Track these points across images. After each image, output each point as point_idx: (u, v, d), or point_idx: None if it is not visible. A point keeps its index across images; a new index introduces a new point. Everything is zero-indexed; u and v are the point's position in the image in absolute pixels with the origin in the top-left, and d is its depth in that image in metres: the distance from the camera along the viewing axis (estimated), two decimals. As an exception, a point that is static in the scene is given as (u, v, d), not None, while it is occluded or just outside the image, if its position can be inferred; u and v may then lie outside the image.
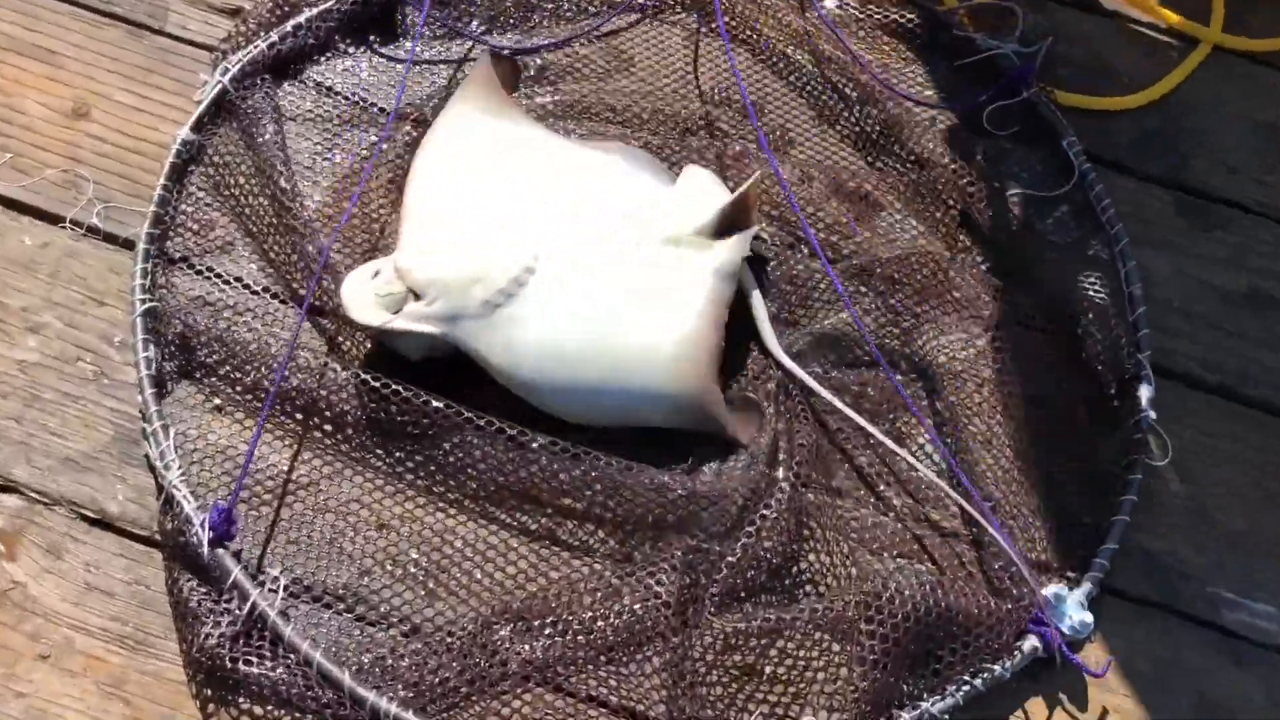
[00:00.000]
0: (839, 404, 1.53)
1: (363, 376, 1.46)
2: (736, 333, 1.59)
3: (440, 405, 1.44)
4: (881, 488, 1.54)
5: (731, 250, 1.60)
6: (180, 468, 1.41)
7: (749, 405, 1.55)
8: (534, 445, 1.43)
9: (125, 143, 1.68)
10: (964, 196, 1.76)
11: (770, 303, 1.63)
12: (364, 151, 1.72)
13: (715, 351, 1.55)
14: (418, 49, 1.83)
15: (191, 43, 1.79)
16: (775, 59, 1.91)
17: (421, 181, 1.63)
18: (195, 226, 1.62)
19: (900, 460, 1.54)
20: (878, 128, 1.83)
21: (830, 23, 1.92)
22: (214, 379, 1.50)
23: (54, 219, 1.61)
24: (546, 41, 1.86)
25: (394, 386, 1.44)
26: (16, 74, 1.72)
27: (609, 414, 1.50)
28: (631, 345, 1.51)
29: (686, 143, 1.79)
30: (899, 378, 1.62)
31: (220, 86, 1.69)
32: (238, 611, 1.32)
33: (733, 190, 1.66)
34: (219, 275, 1.59)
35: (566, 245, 1.55)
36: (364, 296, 1.47)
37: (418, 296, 1.47)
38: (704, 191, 1.67)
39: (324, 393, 1.47)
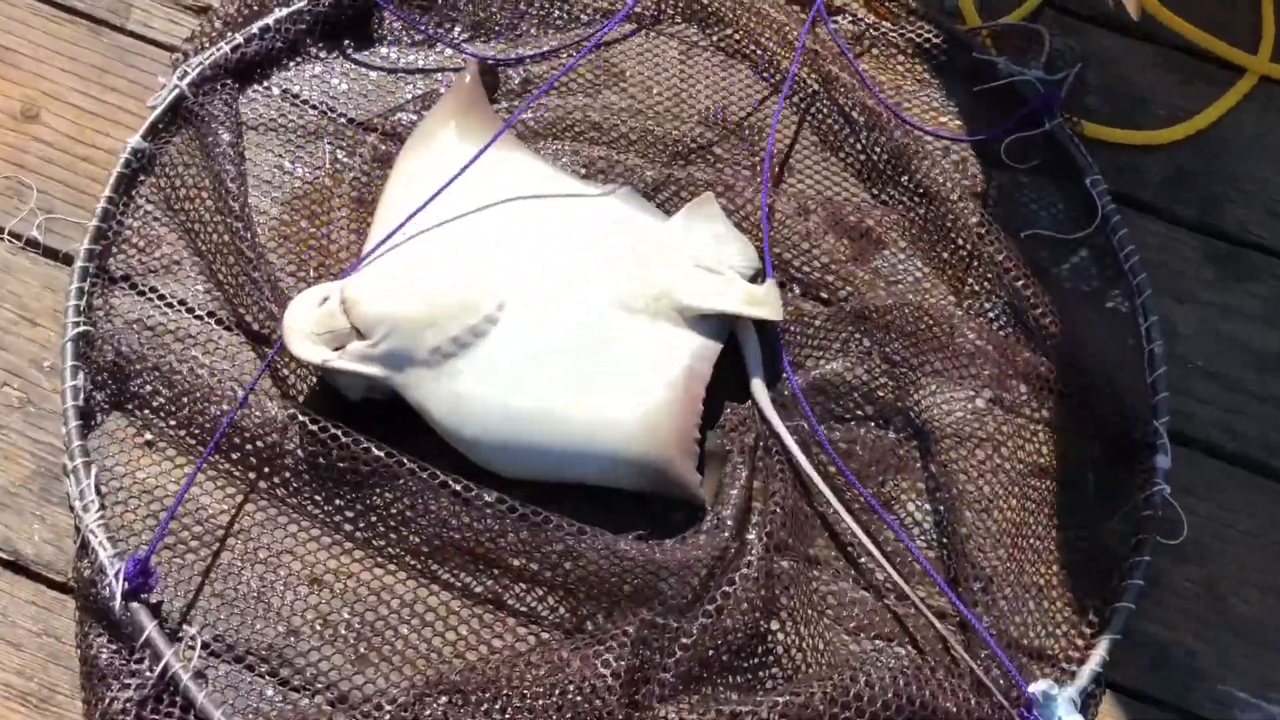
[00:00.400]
0: (812, 473, 1.41)
1: (300, 418, 1.35)
2: (721, 371, 1.47)
3: (380, 454, 1.33)
4: (863, 559, 1.41)
5: (719, 327, 1.49)
6: (100, 510, 1.31)
7: (719, 461, 1.43)
8: (481, 502, 1.32)
9: (74, 149, 1.58)
10: (974, 236, 1.62)
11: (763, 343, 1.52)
12: (328, 165, 1.61)
13: (688, 424, 1.42)
14: (394, 55, 1.71)
15: (153, 42, 1.69)
16: (779, 78, 1.77)
17: (390, 203, 1.52)
18: (140, 243, 1.51)
19: (886, 528, 1.42)
20: (885, 156, 1.69)
21: (840, 40, 1.78)
22: (147, 411, 1.40)
23: (-9, 230, 1.52)
24: (533, 52, 1.74)
25: (331, 430, 1.33)
26: (-35, 70, 1.63)
27: (560, 477, 1.39)
28: (592, 415, 1.39)
29: (676, 167, 1.66)
30: (892, 435, 1.49)
31: (177, 91, 1.58)
32: (148, 674, 1.22)
33: (741, 227, 1.58)
34: (161, 297, 1.48)
35: (537, 294, 1.43)
36: (306, 327, 1.35)
37: (361, 334, 1.35)
38: (711, 238, 1.55)
39: (261, 431, 1.36)
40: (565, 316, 1.43)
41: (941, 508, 1.45)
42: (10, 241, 1.50)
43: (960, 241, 1.62)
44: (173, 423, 1.39)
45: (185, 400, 1.39)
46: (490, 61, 1.71)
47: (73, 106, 1.61)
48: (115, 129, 1.60)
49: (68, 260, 1.49)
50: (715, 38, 1.80)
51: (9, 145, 1.57)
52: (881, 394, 1.51)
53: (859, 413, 1.51)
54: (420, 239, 1.46)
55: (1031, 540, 1.44)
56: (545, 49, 1.74)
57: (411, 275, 1.40)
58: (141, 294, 1.48)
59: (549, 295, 1.43)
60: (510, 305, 1.41)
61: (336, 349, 1.35)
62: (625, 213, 1.56)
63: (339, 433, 1.33)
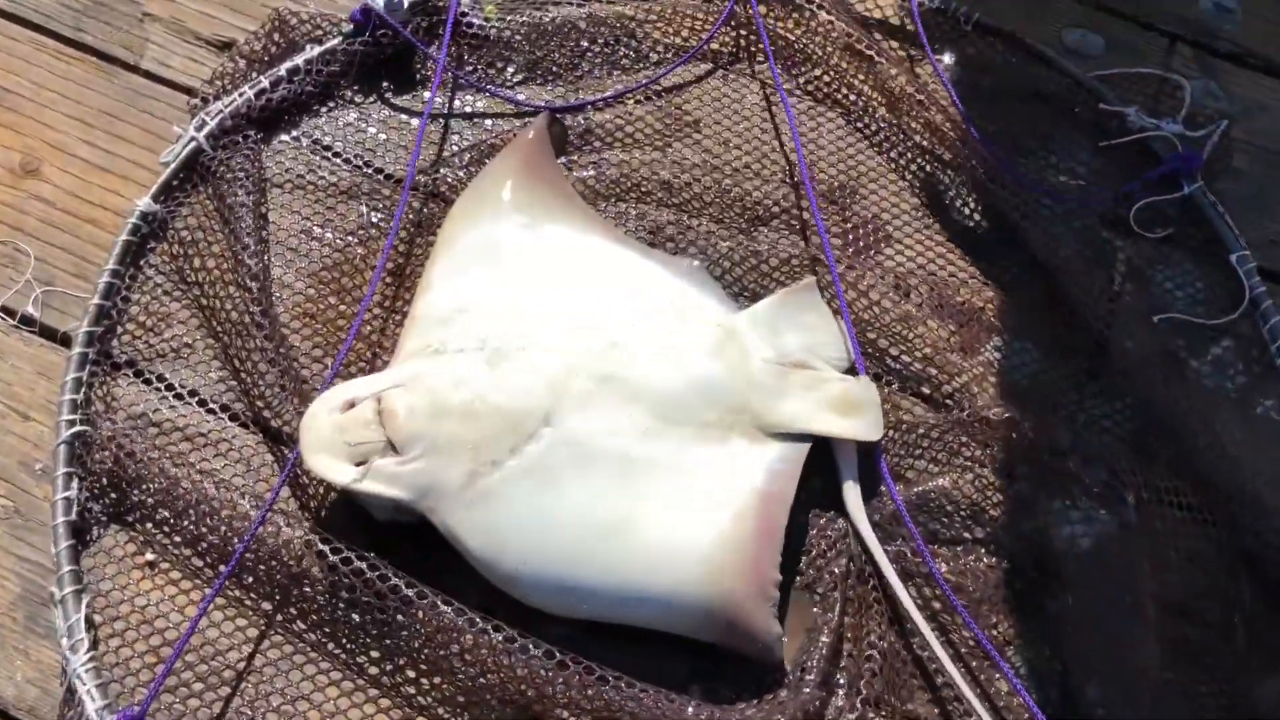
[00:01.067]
0: (914, 611, 1.20)
1: (319, 545, 1.17)
2: (807, 470, 1.27)
3: (410, 592, 1.14)
4: (973, 718, 1.20)
5: (800, 447, 1.28)
6: (90, 649, 1.13)
7: (805, 608, 1.22)
8: (525, 654, 1.13)
9: (79, 209, 1.41)
10: (1101, 318, 1.40)
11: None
12: (362, 230, 1.42)
13: (763, 562, 1.20)
14: (439, 100, 1.52)
15: (170, 83, 1.51)
16: (875, 127, 1.56)
17: (434, 280, 1.32)
18: (148, 322, 1.33)
19: (1000, 678, 1.21)
20: (996, 223, 1.47)
21: (950, 85, 1.55)
22: (149, 525, 1.22)
23: (-18, 304, 1.34)
24: (594, 98, 1.53)
25: (355, 561, 1.15)
26: (-38, 116, 1.45)
27: (611, 619, 1.19)
28: (646, 551, 1.18)
29: (756, 235, 1.45)
30: (1007, 564, 1.28)
31: (194, 145, 1.40)
32: None
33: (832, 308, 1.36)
34: (170, 387, 1.30)
35: (588, 405, 1.23)
36: (329, 438, 1.17)
37: (395, 448, 1.17)
38: (801, 327, 1.35)
39: (277, 557, 1.18)
40: (620, 432, 1.22)
41: (1065, 654, 1.24)
42: (3, 318, 1.33)
43: (1085, 326, 1.40)
44: (178, 539, 1.22)
45: (193, 514, 1.21)
46: (554, 110, 1.50)
47: (78, 159, 1.44)
48: (125, 185, 1.42)
49: (66, 341, 1.31)
50: (802, 80, 1.59)
51: (5, 204, 1.40)
52: (993, 514, 1.30)
53: (967, 536, 1.30)
54: (474, 332, 1.26)
55: (1169, 700, 1.22)
56: (609, 93, 1.53)
57: (457, 386, 1.20)
58: (148, 383, 1.30)
59: (602, 406, 1.23)
60: (556, 418, 1.21)
61: (361, 463, 1.16)
62: (697, 298, 1.35)
63: (364, 565, 1.15)
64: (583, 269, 1.34)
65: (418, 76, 1.53)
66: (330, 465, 1.15)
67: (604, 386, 1.24)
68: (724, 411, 1.26)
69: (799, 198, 1.48)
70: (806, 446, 1.27)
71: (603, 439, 1.22)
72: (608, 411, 1.23)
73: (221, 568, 1.20)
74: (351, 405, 1.19)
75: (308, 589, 1.18)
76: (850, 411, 1.30)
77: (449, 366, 1.22)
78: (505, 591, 1.16)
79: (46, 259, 1.37)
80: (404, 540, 1.19)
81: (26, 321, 1.33)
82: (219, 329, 1.33)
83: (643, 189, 1.47)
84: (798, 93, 1.58)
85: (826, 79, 1.58)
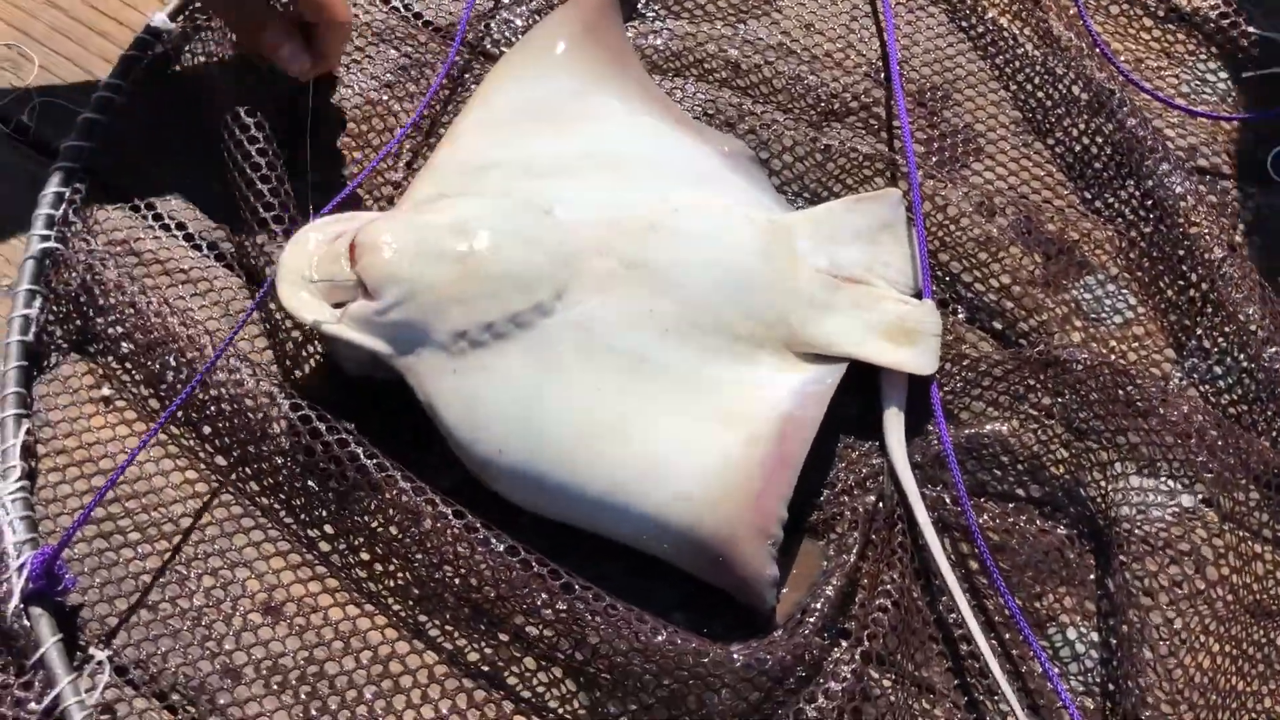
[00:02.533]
0: (944, 565, 1.03)
1: (278, 397, 1.05)
2: (844, 408, 1.11)
3: (369, 462, 1.01)
4: (996, 697, 1.03)
5: (836, 368, 1.12)
6: (22, 479, 1.04)
7: (817, 554, 1.06)
8: (485, 548, 0.99)
9: (93, 19, 1.30)
10: (1214, 274, 1.19)
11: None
12: (390, 77, 1.28)
13: (770, 496, 1.04)
14: (496, -52, 1.37)
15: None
16: (982, 29, 1.37)
17: (462, 133, 1.18)
18: (145, 145, 1.22)
19: (1031, 657, 1.04)
20: (1108, 150, 1.28)
21: (1072, -10, 1.35)
22: (110, 359, 1.12)
23: (-23, 108, 1.25)
24: None
25: (315, 421, 1.02)
26: (-13, -90, 1.35)
27: (586, 528, 1.05)
28: (638, 460, 1.03)
29: (827, 130, 1.28)
30: (1061, 530, 1.10)
31: (221, -39, 1.27)
32: (35, 704, 0.95)
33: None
34: (158, 217, 1.19)
35: (608, 287, 1.07)
36: (306, 270, 1.03)
37: (369, 293, 1.03)
38: (860, 236, 1.18)
39: (237, 406, 1.07)
40: (637, 327, 1.07)
41: (1114, 640, 1.06)
42: (-1, 126, 1.24)
43: (1194, 278, 1.20)
44: (139, 377, 1.11)
45: (158, 353, 1.10)
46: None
47: (101, -33, 1.33)
48: (146, 2, 1.31)
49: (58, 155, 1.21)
50: (904, -33, 1.40)
51: (16, 7, 1.30)
52: (1055, 471, 1.12)
53: (1020, 493, 1.12)
54: (486, 184, 1.12)
55: (1233, 708, 1.03)
56: (684, -43, 1.37)
57: (451, 231, 1.06)
58: (134, 209, 1.19)
59: (624, 293, 1.07)
60: (571, 295, 1.06)
61: (339, 305, 1.03)
62: (748, 190, 1.19)
63: (323, 426, 1.02)
64: (631, 144, 1.19)
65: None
66: (300, 300, 1.02)
67: (631, 272, 1.09)
68: (758, 322, 1.10)
69: (886, 96, 1.31)
70: (843, 367, 1.11)
71: (617, 330, 1.07)
72: (629, 301, 1.08)
73: (180, 414, 1.09)
74: (338, 239, 1.06)
75: (265, 448, 1.06)
76: (905, 339, 1.13)
77: (454, 209, 1.07)
78: (478, 477, 1.03)
79: (50, 67, 1.27)
80: (377, 410, 1.06)
81: (20, 131, 1.23)
82: (220, 164, 1.21)
83: (706, 66, 1.31)
84: (899, -19, 1.40)
85: (933, -30, 1.39)
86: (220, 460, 1.08)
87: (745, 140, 1.25)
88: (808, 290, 1.13)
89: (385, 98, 1.27)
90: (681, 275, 1.10)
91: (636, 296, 1.08)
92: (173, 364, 1.09)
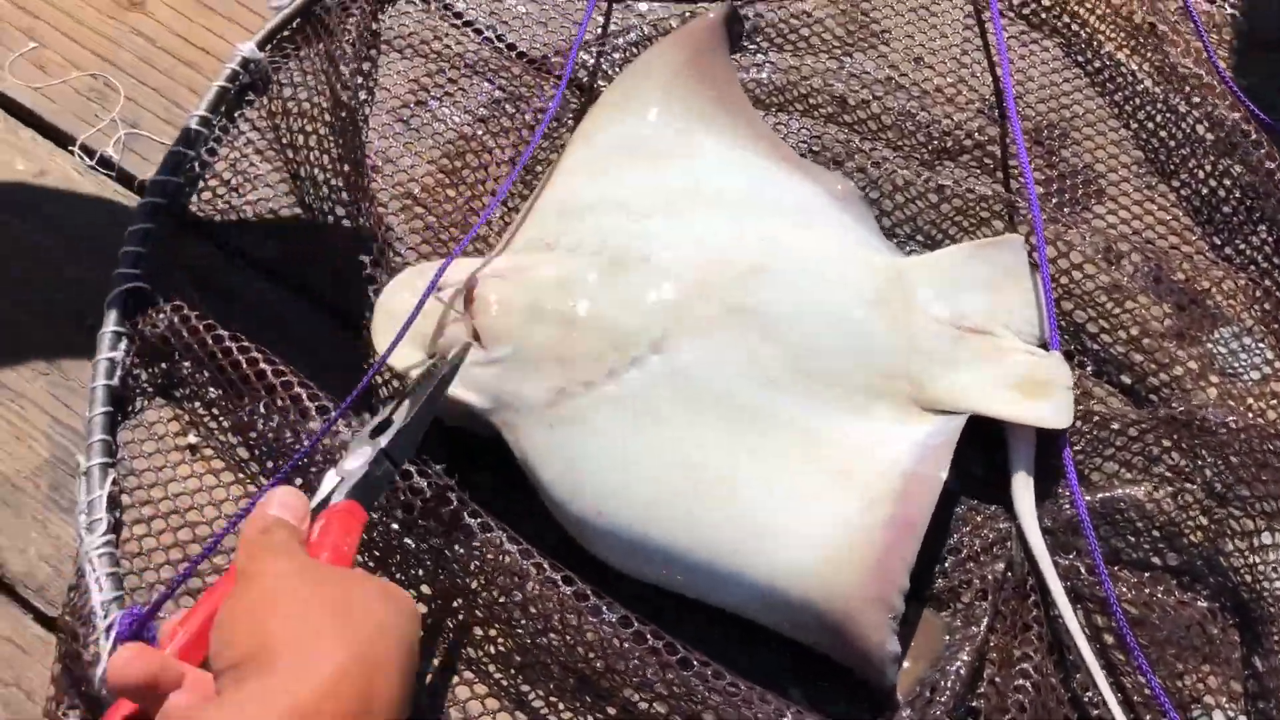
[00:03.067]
0: (1081, 641, 0.96)
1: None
2: (967, 463, 1.04)
3: (474, 522, 0.96)
4: (1137, 785, 0.96)
5: (956, 421, 1.04)
6: (108, 533, 0.99)
7: (941, 628, 1.00)
8: (615, 621, 0.93)
9: (179, 49, 1.26)
10: (1359, 327, 1.12)
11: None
12: (484, 110, 1.24)
13: (891, 565, 0.97)
14: (591, -23, 1.32)
15: (301, -75, 1.34)
16: (1099, 64, 1.30)
17: (566, 175, 1.13)
18: (233, 180, 1.18)
19: (1175, 743, 0.96)
20: (1236, 193, 1.21)
21: (1198, 20, 1.28)
22: (198, 405, 1.07)
23: (63, 139, 1.21)
24: None
25: (413, 473, 0.97)
26: (74, -62, 1.32)
27: (691, 595, 0.98)
28: (745, 523, 0.96)
29: (940, 169, 1.22)
30: (1203, 604, 1.03)
31: (311, -9, 1.24)
32: (122, 775, 0.89)
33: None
34: (244, 254, 1.15)
35: (707, 333, 1.01)
36: (404, 313, 0.99)
37: (479, 343, 0.98)
38: (982, 284, 1.11)
39: (326, 455, 1.01)
40: (742, 375, 1.01)
41: (1263, 724, 0.98)
42: (82, 156, 1.19)
43: (1338, 331, 1.13)
44: (226, 424, 1.06)
45: (246, 399, 1.04)
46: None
47: (187, -3, 1.29)
48: (232, 30, 1.27)
49: (143, 191, 1.17)
50: (1016, 1, 1.34)
51: (103, 36, 1.26)
52: (1194, 539, 1.05)
53: (1156, 561, 1.05)
54: (584, 230, 1.06)
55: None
56: (793, -11, 1.32)
57: (556, 289, 1.01)
58: (220, 247, 1.15)
59: (727, 340, 1.01)
60: (670, 345, 1.00)
61: (433, 355, 0.98)
62: (858, 232, 1.13)
63: (425, 484, 0.97)
64: (734, 181, 1.13)
65: (572, -53, 1.34)
66: (403, 352, 0.98)
67: (733, 318, 1.02)
68: (875, 373, 1.04)
69: (1001, 133, 1.24)
70: (964, 419, 1.04)
71: (720, 379, 1.00)
72: (732, 348, 1.02)
73: (270, 463, 1.04)
74: (442, 290, 1.01)
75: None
76: (1036, 392, 1.06)
77: (557, 264, 1.02)
78: (576, 538, 0.97)
79: (136, 99, 1.22)
80: (482, 469, 1.01)
81: (105, 164, 1.19)
82: (308, 199, 1.16)
83: (811, 100, 1.25)
84: (1009, 14, 1.33)
85: (1046, 2, 1.33)
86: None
87: (854, 179, 1.19)
88: (929, 341, 1.07)
89: (480, 132, 1.22)
90: (789, 320, 1.03)
91: (740, 343, 1.02)
92: (262, 411, 1.04)
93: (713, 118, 1.16)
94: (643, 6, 1.30)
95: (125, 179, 1.19)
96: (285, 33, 1.24)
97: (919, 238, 1.18)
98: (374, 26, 1.26)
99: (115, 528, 1.00)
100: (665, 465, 0.98)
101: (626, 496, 0.97)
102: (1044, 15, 1.33)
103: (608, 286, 1.01)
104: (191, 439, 1.06)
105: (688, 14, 1.29)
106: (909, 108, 1.25)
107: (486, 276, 1.01)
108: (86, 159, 1.19)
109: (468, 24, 1.28)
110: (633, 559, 0.97)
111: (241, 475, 1.04)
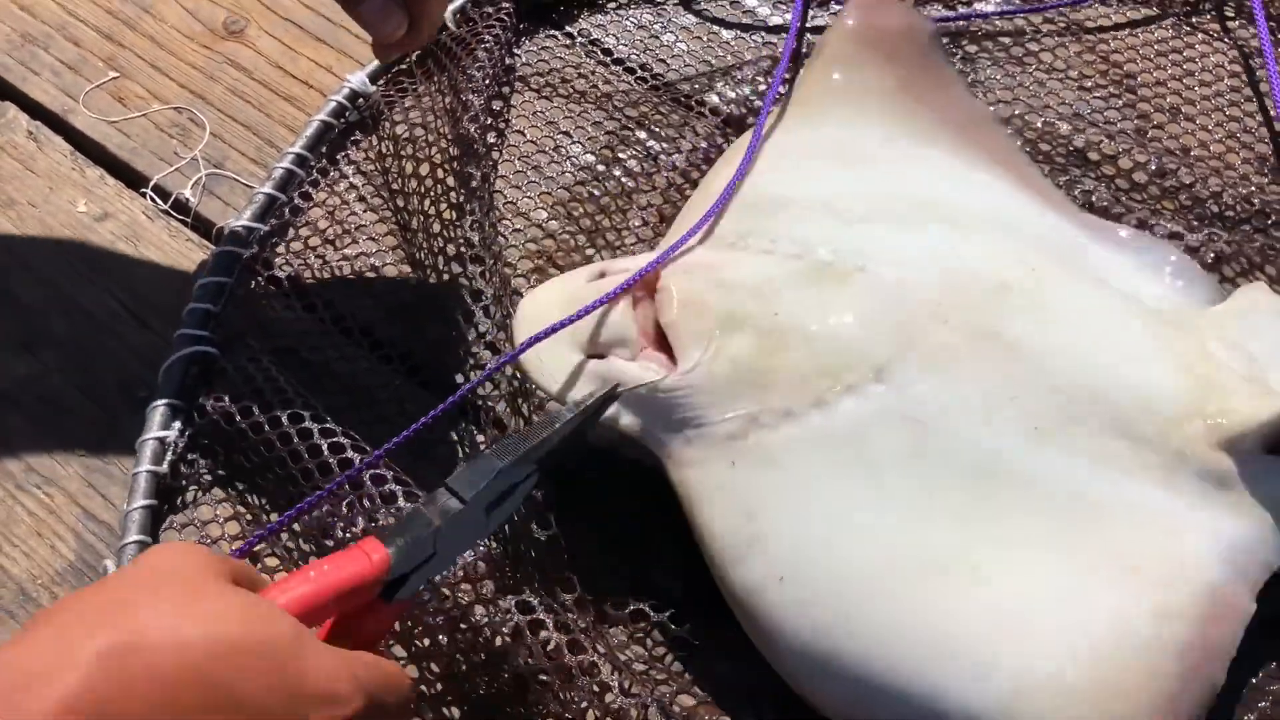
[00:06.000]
0: None
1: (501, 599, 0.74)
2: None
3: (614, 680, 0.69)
4: None
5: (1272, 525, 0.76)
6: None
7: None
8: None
9: (277, 81, 1.07)
10: None
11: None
12: (632, 158, 1.01)
13: (1184, 701, 0.70)
14: (764, 11, 1.11)
15: (425, -46, 1.16)
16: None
17: (766, 158, 0.90)
18: (329, 231, 0.97)
19: None
20: None
21: None
22: (264, 500, 0.84)
23: (135, 179, 1.01)
24: (992, 9, 1.09)
25: (535, 607, 0.71)
26: (174, -36, 1.16)
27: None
28: (997, 613, 0.70)
29: (1210, 223, 0.95)
30: None
31: (435, 18, 1.04)
32: None
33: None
34: (338, 319, 0.93)
35: (951, 361, 0.76)
36: (556, 316, 0.77)
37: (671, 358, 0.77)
38: (1264, 333, 0.83)
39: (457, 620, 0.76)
40: (994, 421, 0.75)
41: None
42: (152, 199, 1.00)
43: None
44: (297, 528, 0.82)
45: (326, 504, 0.80)
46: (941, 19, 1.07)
47: (291, 24, 1.11)
48: (340, 62, 1.08)
49: (220, 238, 0.96)
50: (1289, 42, 1.09)
51: (195, 67, 1.08)
52: None
53: None
54: (779, 227, 0.83)
55: None
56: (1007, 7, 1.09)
57: (757, 295, 0.78)
58: (310, 309, 0.93)
59: (973, 374, 0.76)
60: (896, 374, 0.75)
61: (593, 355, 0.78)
62: (1140, 279, 0.86)
63: (550, 620, 0.71)
64: (980, 204, 0.88)
65: (737, -21, 1.13)
66: (550, 356, 0.76)
67: (980, 345, 0.77)
68: (1170, 436, 0.76)
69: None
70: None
71: (964, 423, 0.75)
72: (979, 383, 0.76)
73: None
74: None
75: (470, 646, 0.75)
76: None
77: (751, 265, 0.79)
78: (741, 611, 0.72)
79: (223, 135, 1.03)
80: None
81: (180, 208, 0.99)
82: (419, 255, 0.94)
83: (1041, 148, 1.00)
84: (1282, 58, 1.08)
85: (1332, 47, 1.08)
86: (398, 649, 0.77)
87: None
88: (1221, 374, 0.79)
89: (628, 185, 1.00)
90: (1055, 354, 0.78)
91: (989, 379, 0.76)
92: (344, 513, 0.79)
93: (936, 130, 0.92)
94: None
95: (202, 227, 0.99)
96: (403, 65, 1.05)
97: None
98: (508, 61, 1.06)
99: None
100: (877, 527, 0.73)
101: (823, 564, 0.71)
102: (1328, 62, 1.07)
103: (816, 297, 0.78)
104: (256, 547, 0.82)
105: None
106: (1166, 164, 0.99)
107: (668, 271, 0.79)
108: (159, 201, 0.99)
109: (618, 61, 1.07)
110: (814, 655, 0.70)
111: (311, 596, 0.79)
